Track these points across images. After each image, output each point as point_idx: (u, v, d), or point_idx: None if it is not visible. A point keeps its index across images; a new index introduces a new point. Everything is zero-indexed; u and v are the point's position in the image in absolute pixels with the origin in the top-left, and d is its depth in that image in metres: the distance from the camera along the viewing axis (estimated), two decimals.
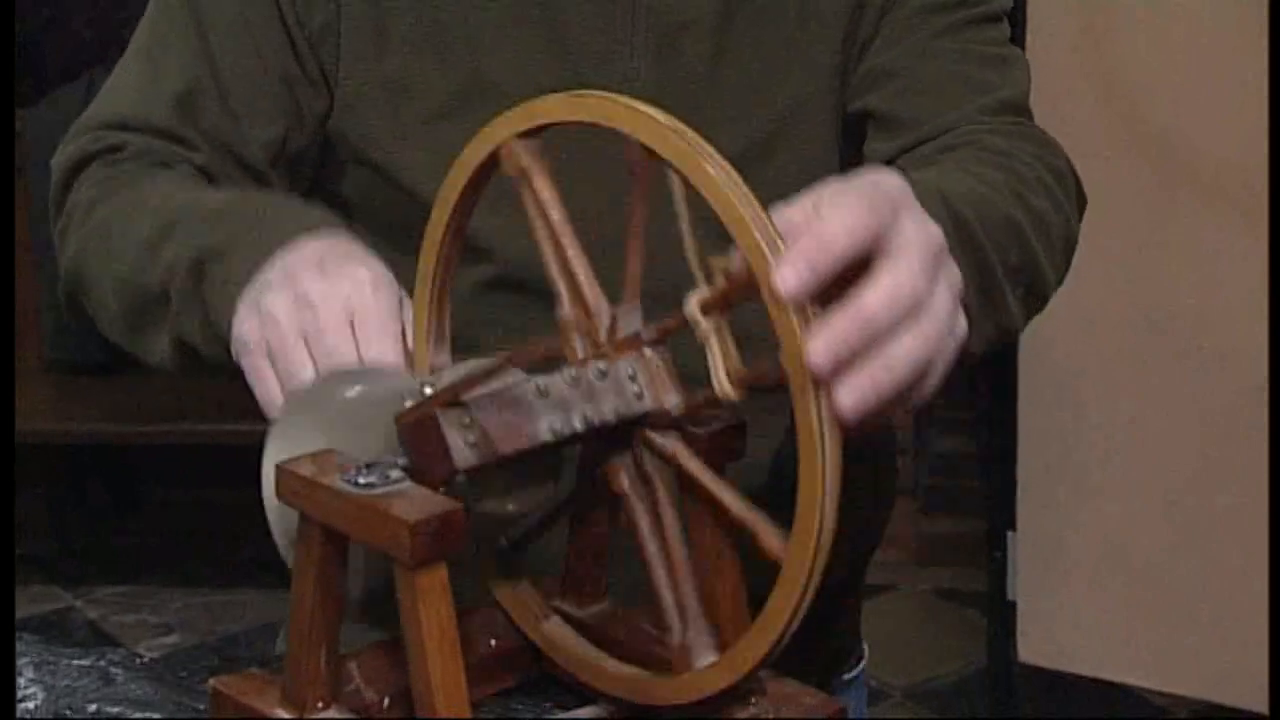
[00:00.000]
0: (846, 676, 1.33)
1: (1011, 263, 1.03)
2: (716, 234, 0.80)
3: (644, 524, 0.87)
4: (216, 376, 1.03)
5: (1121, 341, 2.28)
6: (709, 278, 0.82)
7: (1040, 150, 1.14)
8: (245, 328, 0.96)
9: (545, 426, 0.83)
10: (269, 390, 0.95)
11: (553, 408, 0.83)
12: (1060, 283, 1.13)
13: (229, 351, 0.99)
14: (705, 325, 0.82)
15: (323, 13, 1.13)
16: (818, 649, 1.27)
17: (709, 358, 0.82)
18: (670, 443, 0.86)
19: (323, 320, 0.93)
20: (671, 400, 0.85)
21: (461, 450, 0.82)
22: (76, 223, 1.12)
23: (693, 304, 0.82)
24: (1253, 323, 2.17)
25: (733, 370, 0.82)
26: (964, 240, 0.98)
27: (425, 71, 1.12)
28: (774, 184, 1.05)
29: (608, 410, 0.84)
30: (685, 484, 0.87)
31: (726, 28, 1.13)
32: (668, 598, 0.86)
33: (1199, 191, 2.19)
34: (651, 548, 0.86)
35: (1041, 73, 1.24)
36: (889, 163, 1.13)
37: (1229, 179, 2.17)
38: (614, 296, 0.86)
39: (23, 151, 3.09)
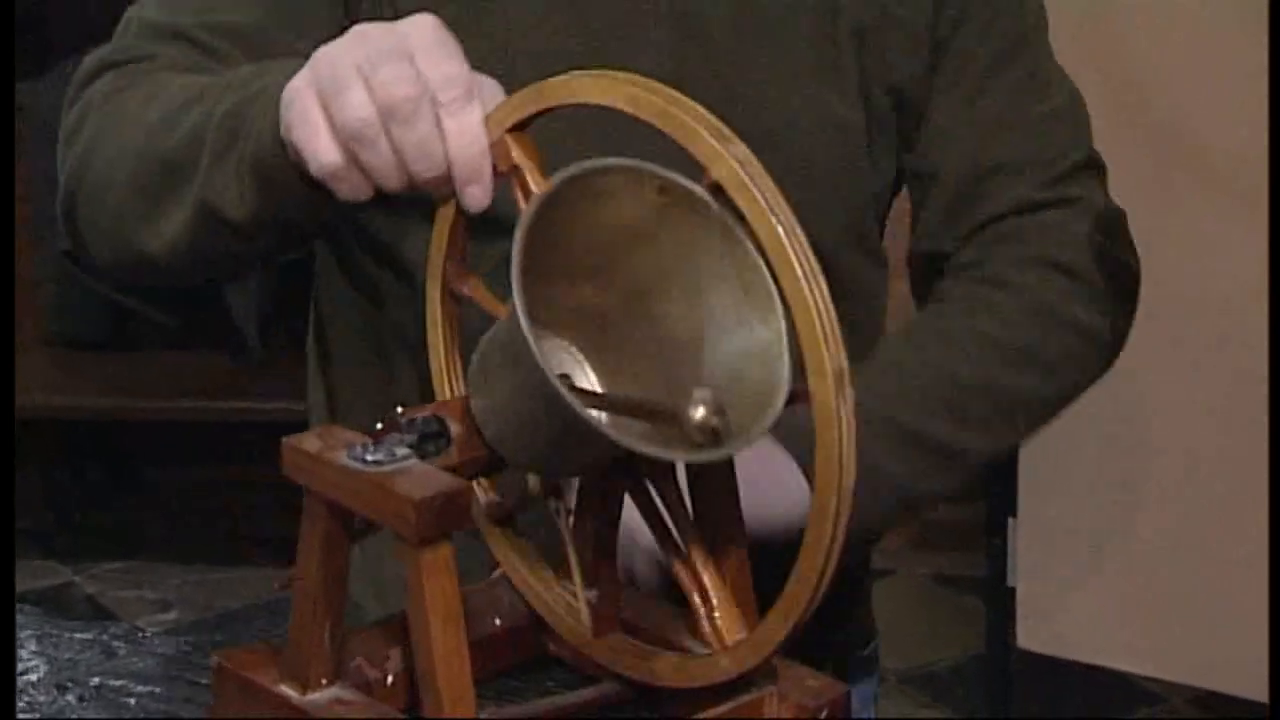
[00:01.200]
0: (862, 654, 1.34)
1: (942, 435, 1.10)
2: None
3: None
4: (224, 263, 0.99)
5: None
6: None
7: (1069, 279, 1.19)
8: (296, 80, 0.90)
9: None
10: (313, 131, 0.89)
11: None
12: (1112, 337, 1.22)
13: (271, 186, 0.94)
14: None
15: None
16: (834, 629, 1.27)
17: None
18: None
19: (378, 50, 0.86)
20: None
21: None
22: (92, 114, 1.07)
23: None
24: (1252, 311, 2.16)
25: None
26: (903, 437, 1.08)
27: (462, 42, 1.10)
28: (799, 166, 1.07)
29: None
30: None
31: (747, 23, 1.13)
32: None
33: (1199, 180, 2.19)
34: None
35: None
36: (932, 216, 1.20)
37: (1230, 168, 2.17)
38: None
39: (25, 124, 3.08)
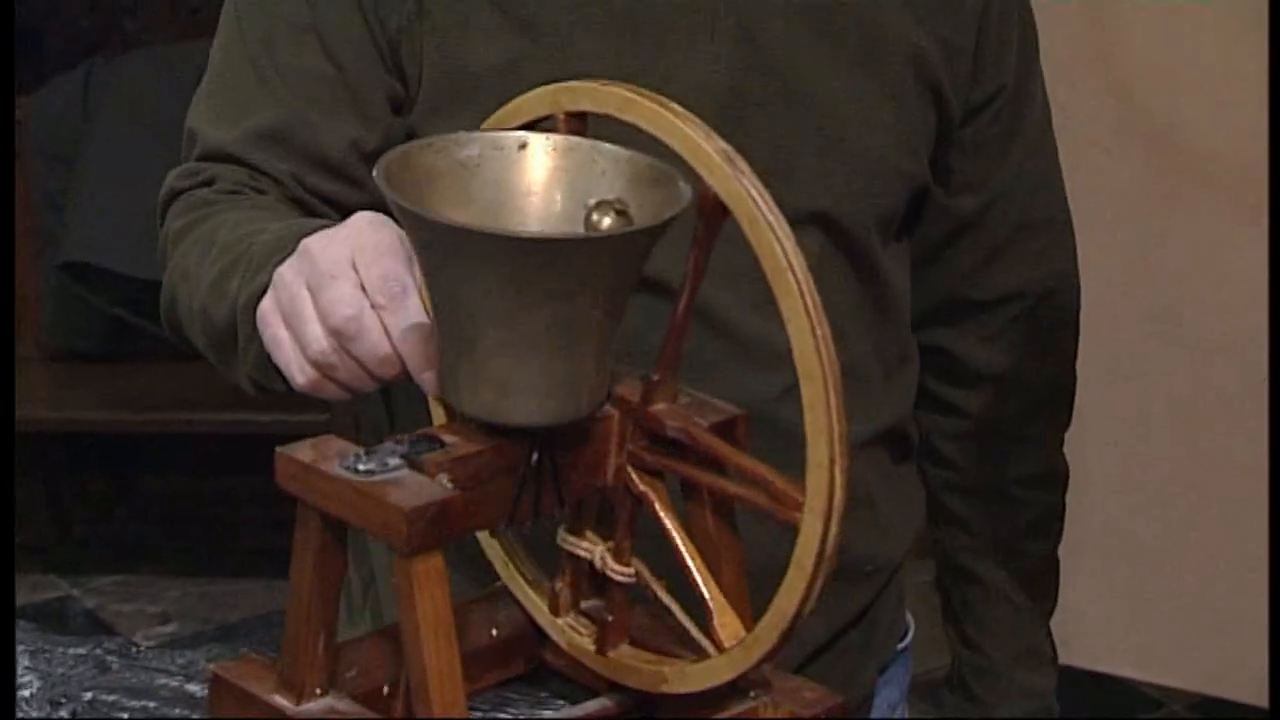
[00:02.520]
0: (899, 647, 1.42)
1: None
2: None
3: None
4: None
5: (1122, 333, 2.28)
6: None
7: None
8: (264, 303, 0.96)
9: None
10: (286, 355, 0.94)
11: None
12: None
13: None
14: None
15: (398, 15, 1.11)
16: (876, 626, 1.34)
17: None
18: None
19: (323, 265, 0.91)
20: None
21: None
22: (169, 258, 1.14)
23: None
24: (1254, 315, 2.16)
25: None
26: None
27: (511, 64, 1.11)
28: (854, 162, 1.09)
29: None
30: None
31: (813, 23, 1.14)
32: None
33: (1200, 184, 2.19)
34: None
35: (1044, 66, 1.24)
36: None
37: (1230, 172, 2.17)
38: None
39: (21, 138, 3.08)
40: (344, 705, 0.88)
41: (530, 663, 0.98)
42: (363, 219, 0.94)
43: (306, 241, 0.94)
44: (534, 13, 1.11)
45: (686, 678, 0.87)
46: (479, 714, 0.93)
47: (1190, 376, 2.24)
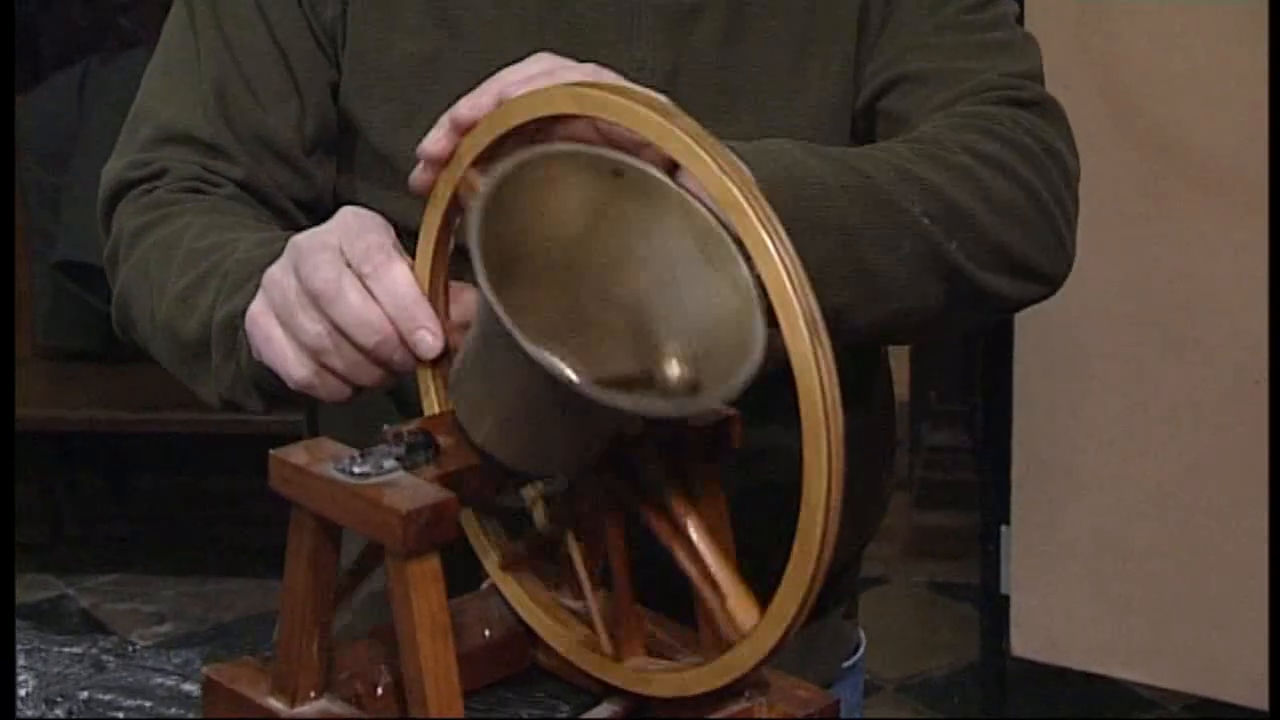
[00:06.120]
0: (845, 665, 1.34)
1: (919, 210, 1.02)
2: None
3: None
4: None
5: (1116, 335, 2.28)
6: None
7: (974, 135, 1.10)
8: (254, 305, 0.96)
9: None
10: (280, 350, 0.94)
11: None
12: (1043, 252, 1.10)
13: (270, 394, 1.01)
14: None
15: (332, 7, 1.13)
16: (818, 638, 1.27)
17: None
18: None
19: (307, 251, 0.92)
20: None
21: None
22: (122, 256, 1.14)
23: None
24: (1249, 317, 2.16)
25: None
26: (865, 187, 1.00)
27: (433, 60, 1.12)
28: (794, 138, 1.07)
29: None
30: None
31: (738, 14, 1.13)
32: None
33: (1195, 184, 2.19)
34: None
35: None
36: None
37: (1225, 172, 2.17)
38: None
39: (17, 137, 3.08)
40: (338, 708, 0.88)
41: (524, 664, 0.98)
42: (348, 211, 0.95)
43: (295, 238, 0.95)
44: (457, 8, 1.12)
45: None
46: (476, 715, 0.93)
47: (1184, 377, 2.24)
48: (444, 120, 0.91)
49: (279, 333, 0.94)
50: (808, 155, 1.01)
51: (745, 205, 0.80)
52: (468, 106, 0.90)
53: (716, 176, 0.81)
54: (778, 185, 0.96)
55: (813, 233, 0.97)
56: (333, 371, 0.93)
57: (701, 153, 0.81)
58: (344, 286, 0.90)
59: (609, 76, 0.92)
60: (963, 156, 1.07)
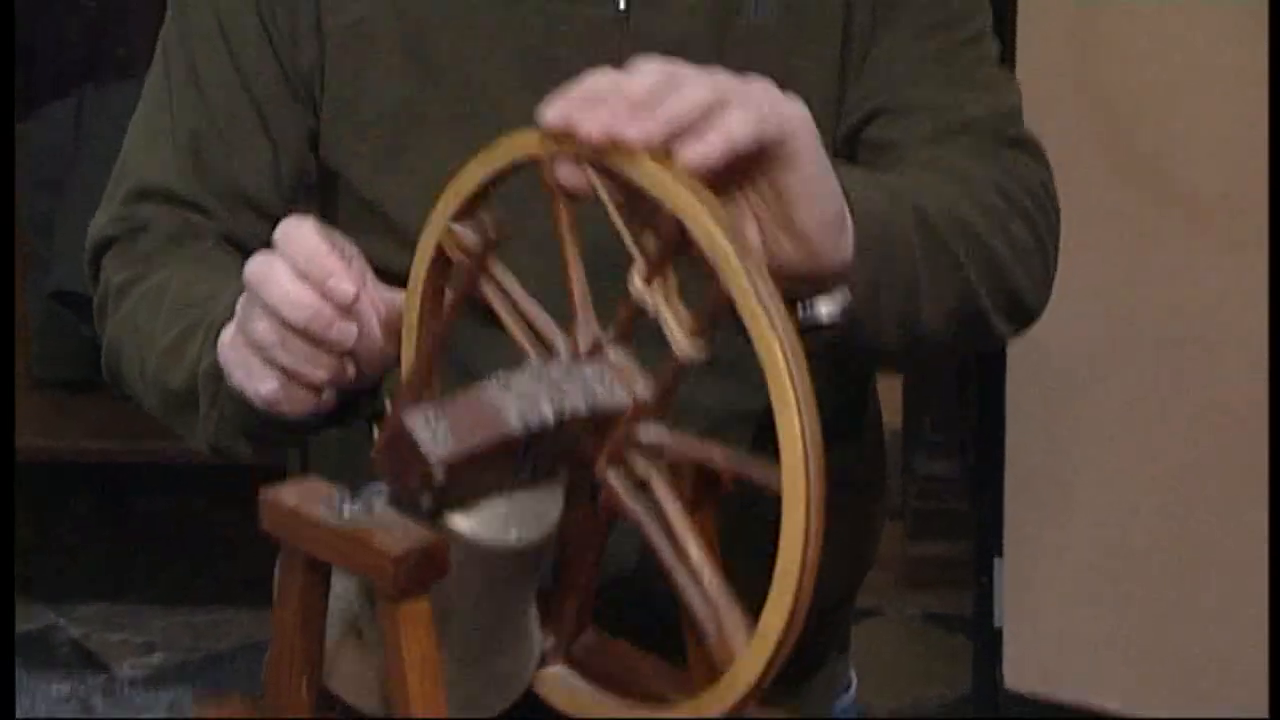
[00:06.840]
0: (837, 705, 1.33)
1: (963, 256, 1.05)
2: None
3: (651, 529, 0.86)
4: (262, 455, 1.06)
5: (1110, 366, 2.28)
6: (644, 249, 0.84)
7: (997, 173, 1.13)
8: (223, 336, 0.98)
9: (515, 414, 0.83)
10: (243, 365, 0.95)
11: (519, 398, 0.84)
12: (1036, 292, 1.13)
13: (257, 436, 1.02)
14: (651, 296, 0.83)
15: (308, 55, 1.14)
16: (809, 676, 1.26)
17: (664, 326, 0.83)
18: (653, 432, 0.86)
19: (260, 274, 0.92)
20: (639, 387, 0.85)
21: (431, 443, 0.82)
22: (110, 310, 1.16)
23: (635, 279, 0.84)
24: (1244, 348, 2.17)
25: (688, 327, 0.83)
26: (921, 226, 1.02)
27: (412, 103, 1.12)
28: None
29: (577, 400, 0.84)
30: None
31: (718, 48, 1.13)
32: (691, 592, 0.84)
33: (1188, 212, 2.19)
34: (664, 549, 0.86)
35: (1029, 92, 1.24)
36: None
37: (1218, 200, 2.18)
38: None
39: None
40: None
41: (515, 702, 0.98)
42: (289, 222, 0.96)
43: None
44: (436, 51, 1.12)
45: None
46: None
47: (1179, 411, 2.24)
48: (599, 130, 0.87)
49: (242, 349, 0.95)
50: (892, 206, 1.02)
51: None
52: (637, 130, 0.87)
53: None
54: (867, 244, 0.96)
55: (889, 293, 1.00)
56: (293, 376, 0.93)
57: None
58: (271, 270, 0.92)
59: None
60: (994, 197, 1.10)
